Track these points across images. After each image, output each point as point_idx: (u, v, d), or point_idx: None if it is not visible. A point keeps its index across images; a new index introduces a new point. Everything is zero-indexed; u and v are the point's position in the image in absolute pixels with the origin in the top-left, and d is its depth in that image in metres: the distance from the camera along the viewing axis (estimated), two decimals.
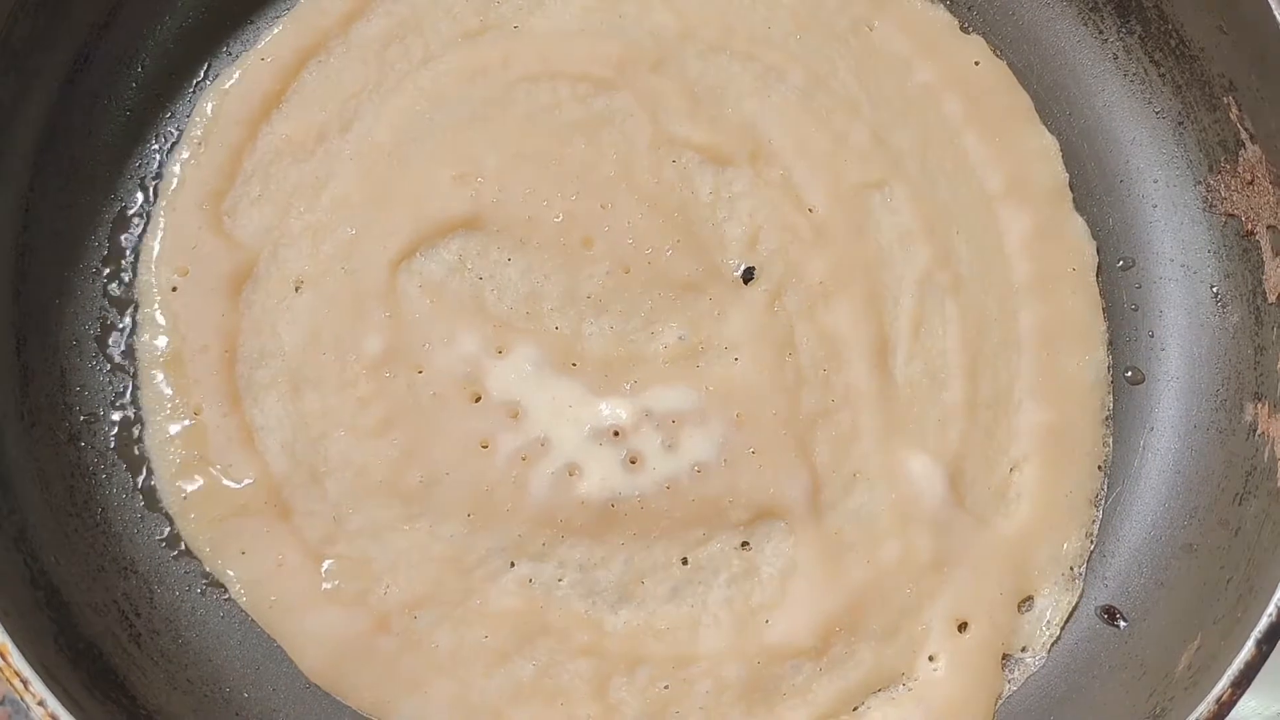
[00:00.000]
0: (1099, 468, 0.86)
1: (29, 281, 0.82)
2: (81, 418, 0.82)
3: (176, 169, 0.86)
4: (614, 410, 0.83)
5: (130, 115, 0.87)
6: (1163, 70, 0.90)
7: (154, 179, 0.86)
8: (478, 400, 0.83)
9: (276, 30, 0.89)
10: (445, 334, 0.83)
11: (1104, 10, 0.91)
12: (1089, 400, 0.87)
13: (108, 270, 0.84)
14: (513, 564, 0.81)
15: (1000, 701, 0.82)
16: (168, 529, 0.81)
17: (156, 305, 0.84)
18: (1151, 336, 0.89)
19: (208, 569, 0.80)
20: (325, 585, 0.80)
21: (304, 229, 0.85)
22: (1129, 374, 0.88)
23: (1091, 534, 0.85)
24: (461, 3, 0.90)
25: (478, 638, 0.80)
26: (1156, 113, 0.91)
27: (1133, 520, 0.86)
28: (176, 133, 0.87)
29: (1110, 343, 0.88)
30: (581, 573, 0.81)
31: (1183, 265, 0.89)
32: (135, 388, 0.83)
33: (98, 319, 0.84)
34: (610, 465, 0.82)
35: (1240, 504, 0.81)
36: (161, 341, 0.83)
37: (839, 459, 0.84)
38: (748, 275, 0.86)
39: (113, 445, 0.82)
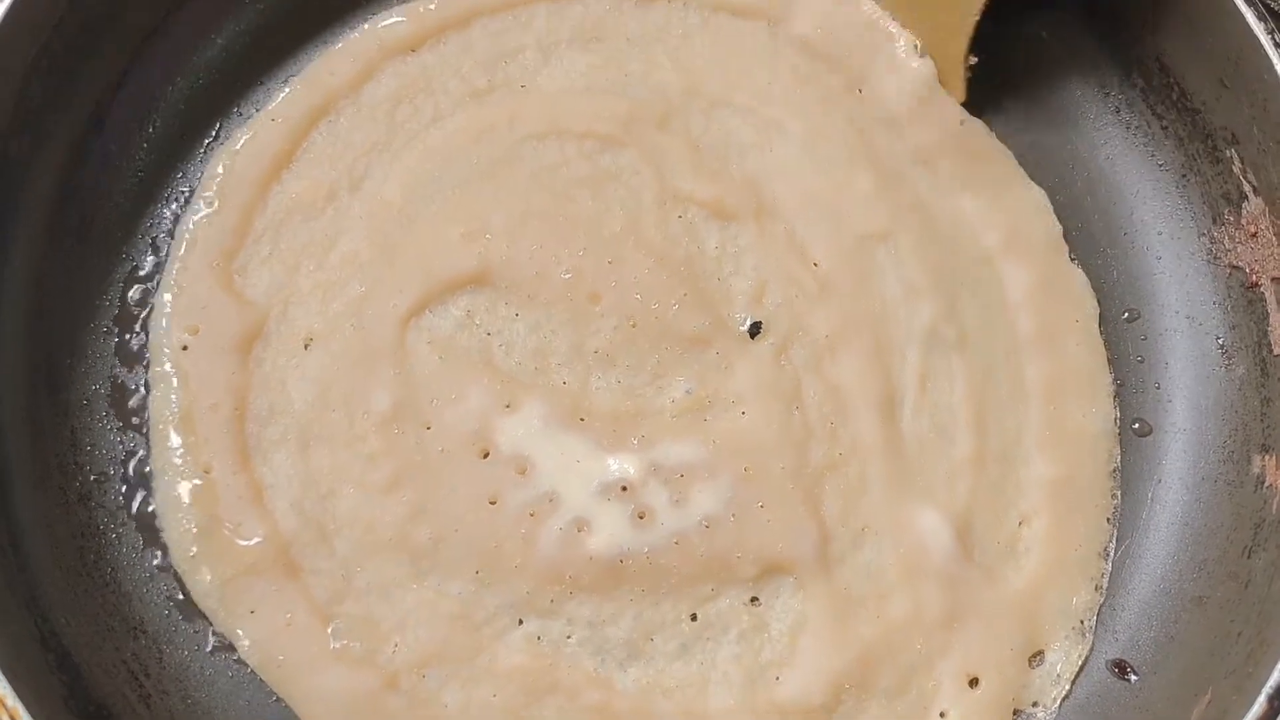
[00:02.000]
0: (1107, 520, 0.86)
1: (40, 340, 0.83)
2: (92, 477, 0.82)
3: (188, 228, 0.87)
4: (622, 465, 0.83)
5: (142, 175, 0.88)
6: (1165, 123, 0.90)
7: (166, 238, 0.87)
8: (486, 456, 0.83)
9: (287, 91, 0.90)
10: (454, 390, 0.84)
11: (1106, 64, 0.93)
12: (1096, 453, 0.87)
13: (119, 329, 0.85)
14: (521, 621, 0.81)
15: None
16: (177, 588, 0.81)
17: (167, 364, 0.84)
18: (1158, 388, 0.89)
19: (217, 629, 0.80)
20: (334, 644, 0.80)
21: (314, 287, 0.86)
22: (1136, 426, 0.88)
23: (1101, 587, 0.85)
24: (470, 63, 0.91)
25: (486, 696, 0.80)
26: (1159, 165, 0.91)
27: (1142, 573, 0.85)
28: (188, 192, 0.88)
29: (1117, 395, 0.89)
30: (590, 630, 0.81)
31: (1188, 317, 0.89)
32: (146, 446, 0.83)
33: (109, 378, 0.84)
34: (619, 520, 0.82)
35: (1249, 557, 0.81)
36: (172, 400, 0.83)
37: (847, 513, 0.84)
38: (754, 329, 0.87)
39: (123, 504, 0.82)
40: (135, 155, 0.88)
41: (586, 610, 0.81)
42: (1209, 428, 0.87)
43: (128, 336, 0.85)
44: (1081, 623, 0.84)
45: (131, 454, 0.83)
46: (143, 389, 0.84)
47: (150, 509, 0.82)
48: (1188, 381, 0.89)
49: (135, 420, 0.84)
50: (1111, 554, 0.86)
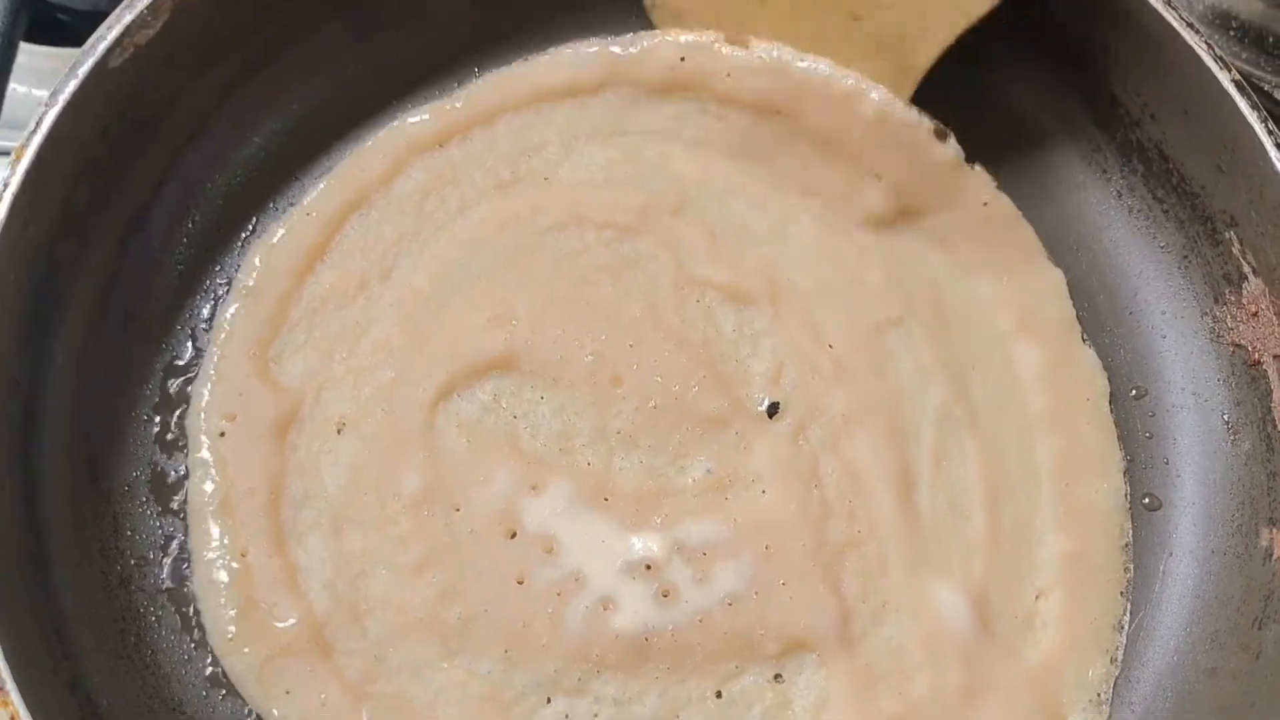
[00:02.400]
0: (1121, 594, 0.88)
1: (84, 429, 0.85)
2: (132, 561, 0.85)
3: (227, 318, 0.90)
4: (646, 544, 0.85)
5: (182, 269, 0.91)
6: (1165, 207, 0.93)
7: (204, 329, 0.90)
8: (513, 536, 0.85)
9: (321, 186, 0.94)
10: (481, 472, 0.86)
11: (1106, 150, 0.96)
12: (1109, 528, 0.89)
13: (159, 417, 0.88)
14: (549, 700, 0.83)
15: None
16: (214, 669, 0.83)
17: (205, 450, 0.87)
18: (1167, 463, 0.91)
19: (253, 708, 0.82)
20: None
21: (346, 373, 0.89)
22: (1146, 500, 0.90)
23: (1116, 659, 0.87)
24: (494, 157, 0.94)
25: None
26: (1161, 247, 0.94)
27: (1156, 645, 0.87)
28: (226, 284, 0.91)
29: (1127, 470, 0.91)
30: (617, 708, 0.82)
31: (1194, 394, 0.92)
32: (184, 531, 0.86)
33: (149, 464, 0.87)
34: (643, 598, 0.84)
35: (1260, 628, 0.83)
36: (209, 486, 0.86)
37: (867, 589, 0.86)
38: (772, 409, 0.89)
39: (162, 588, 0.85)
40: (176, 250, 0.91)
41: (612, 688, 0.83)
42: (1217, 502, 0.89)
43: (167, 424, 0.88)
44: (1098, 695, 0.86)
45: (170, 538, 0.86)
46: (182, 475, 0.87)
47: (188, 591, 0.84)
48: (1195, 457, 0.91)
49: (174, 505, 0.86)
50: (1126, 627, 0.87)
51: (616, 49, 0.96)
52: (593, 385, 0.88)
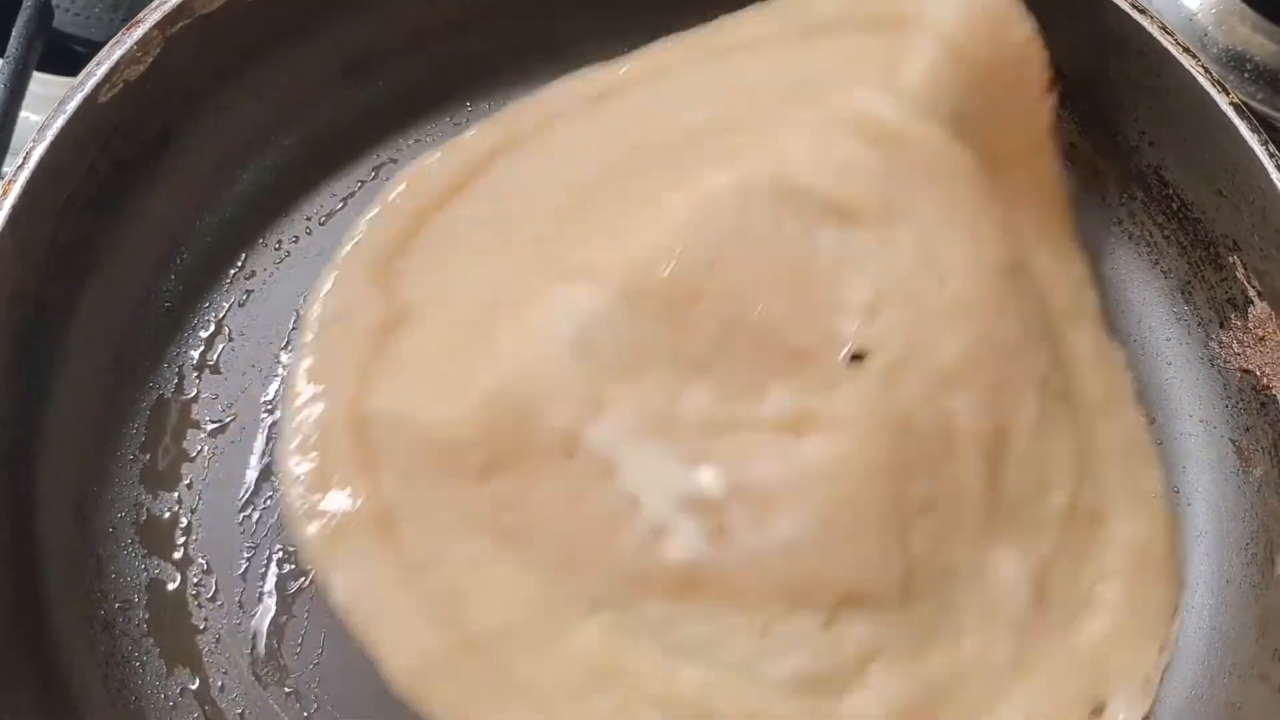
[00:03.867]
0: (1177, 583, 0.86)
1: (73, 471, 0.84)
2: (116, 604, 0.83)
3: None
4: (706, 478, 0.78)
5: (169, 307, 0.90)
6: (1166, 233, 0.92)
7: (192, 367, 0.89)
8: (573, 455, 0.79)
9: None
10: (550, 383, 0.80)
11: (1106, 177, 0.95)
12: (1167, 516, 0.88)
13: (146, 456, 0.86)
14: (595, 611, 0.78)
15: None
16: (198, 713, 0.81)
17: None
18: (1177, 492, 0.89)
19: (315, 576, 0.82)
20: (420, 604, 0.79)
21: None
22: None
23: (1166, 647, 0.84)
24: None
25: (554, 673, 0.78)
26: (1164, 273, 0.93)
27: (1173, 681, 0.84)
28: (214, 322, 0.90)
29: None
30: (662, 627, 0.78)
31: (1201, 420, 0.90)
32: (171, 570, 0.84)
33: (134, 505, 0.85)
34: (696, 534, 0.77)
35: None
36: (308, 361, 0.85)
37: (935, 552, 0.79)
38: (864, 349, 0.79)
39: (145, 631, 0.82)
40: (163, 287, 0.90)
41: (658, 610, 0.78)
42: (1230, 530, 0.87)
43: (155, 462, 0.86)
44: (1146, 679, 0.83)
45: (154, 580, 0.83)
46: (166, 516, 0.85)
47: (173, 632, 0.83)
48: (1206, 485, 0.89)
49: (159, 545, 0.84)
50: (1179, 613, 0.86)
51: None
52: (668, 301, 0.78)
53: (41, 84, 0.97)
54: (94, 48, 0.82)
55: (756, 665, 0.78)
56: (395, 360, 0.85)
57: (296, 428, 0.83)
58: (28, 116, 0.90)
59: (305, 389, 0.84)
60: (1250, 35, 1.11)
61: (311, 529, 0.81)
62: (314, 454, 0.82)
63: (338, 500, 0.81)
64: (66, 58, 1.04)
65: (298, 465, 0.82)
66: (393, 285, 0.88)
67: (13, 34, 0.90)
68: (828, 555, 0.78)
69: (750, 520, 0.77)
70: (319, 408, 0.83)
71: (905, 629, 0.79)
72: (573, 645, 0.79)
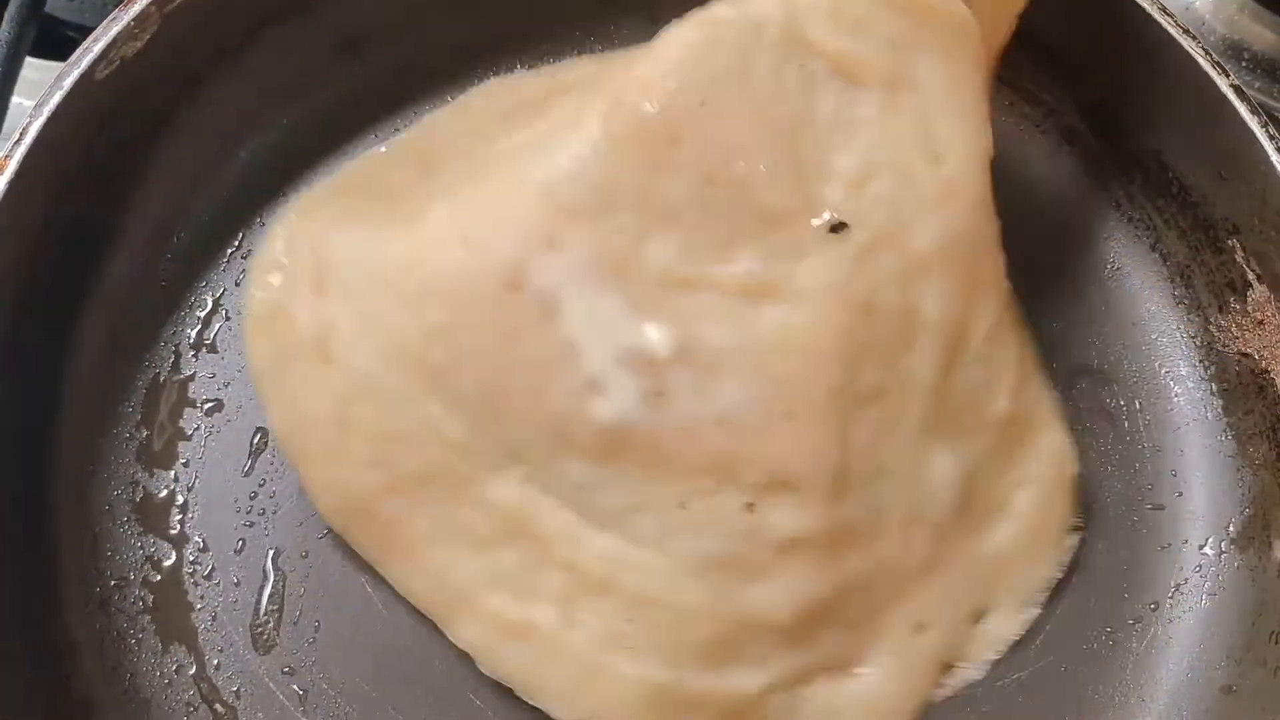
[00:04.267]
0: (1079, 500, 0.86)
1: (68, 449, 0.84)
2: (112, 582, 0.83)
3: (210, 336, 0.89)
4: (653, 334, 0.74)
5: (166, 286, 0.90)
6: (1166, 216, 0.92)
7: (189, 346, 0.88)
8: (516, 290, 0.75)
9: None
10: (500, 215, 0.76)
11: (1105, 159, 0.94)
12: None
13: (142, 433, 0.86)
14: (513, 463, 0.77)
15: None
16: (193, 693, 0.81)
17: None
18: (1174, 475, 0.89)
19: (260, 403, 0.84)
20: (349, 443, 0.80)
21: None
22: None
23: (1063, 565, 0.85)
24: None
25: (463, 524, 0.78)
26: (1163, 256, 0.93)
27: (1169, 663, 0.84)
28: (211, 301, 0.90)
29: (1132, 483, 0.89)
30: (576, 491, 0.76)
31: (1200, 403, 0.90)
32: (167, 548, 0.84)
33: (130, 483, 0.85)
34: (632, 392, 0.74)
35: (1277, 643, 0.80)
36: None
37: (873, 445, 0.76)
38: (844, 219, 0.75)
39: (141, 609, 0.82)
40: (160, 266, 0.90)
41: (578, 471, 0.75)
42: (1227, 514, 0.87)
43: (151, 441, 0.86)
44: (1029, 596, 0.84)
45: (150, 558, 0.83)
46: (164, 493, 0.85)
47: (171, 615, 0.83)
48: (1204, 469, 0.89)
49: (155, 523, 0.84)
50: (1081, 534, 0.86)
51: None
52: (644, 141, 0.73)
53: (34, 69, 0.96)
54: (86, 33, 0.81)
55: (669, 541, 0.76)
56: (358, 215, 0.84)
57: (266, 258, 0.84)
58: (20, 102, 0.90)
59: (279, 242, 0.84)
60: (1248, 24, 1.11)
61: (261, 353, 0.82)
62: (275, 275, 0.82)
63: (286, 323, 0.81)
64: (60, 44, 1.03)
65: (261, 289, 0.83)
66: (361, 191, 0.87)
67: (5, 18, 0.89)
68: (763, 432, 0.74)
69: (691, 385, 0.74)
70: (285, 243, 0.84)
71: (828, 525, 0.76)
72: (486, 495, 0.77)
